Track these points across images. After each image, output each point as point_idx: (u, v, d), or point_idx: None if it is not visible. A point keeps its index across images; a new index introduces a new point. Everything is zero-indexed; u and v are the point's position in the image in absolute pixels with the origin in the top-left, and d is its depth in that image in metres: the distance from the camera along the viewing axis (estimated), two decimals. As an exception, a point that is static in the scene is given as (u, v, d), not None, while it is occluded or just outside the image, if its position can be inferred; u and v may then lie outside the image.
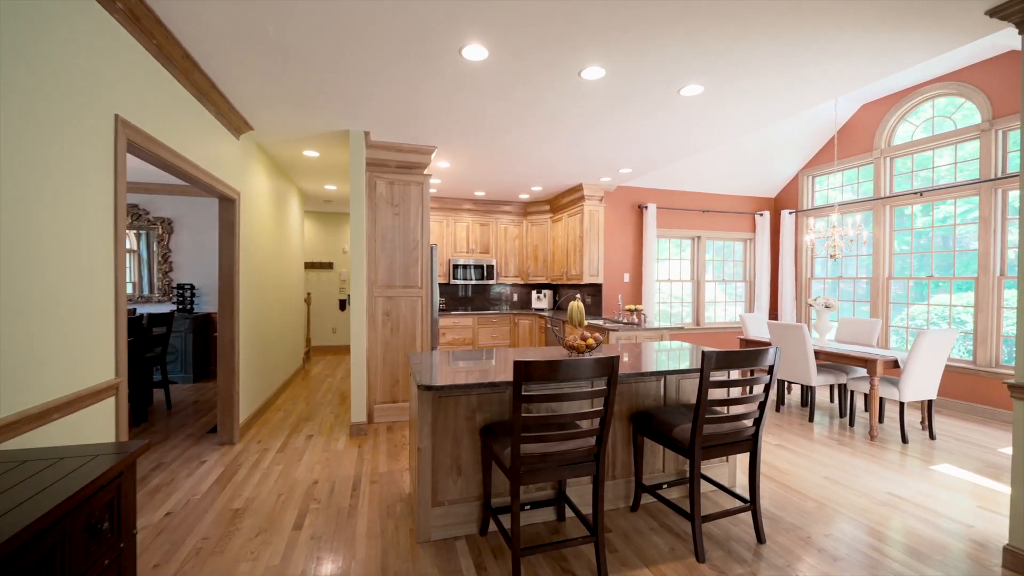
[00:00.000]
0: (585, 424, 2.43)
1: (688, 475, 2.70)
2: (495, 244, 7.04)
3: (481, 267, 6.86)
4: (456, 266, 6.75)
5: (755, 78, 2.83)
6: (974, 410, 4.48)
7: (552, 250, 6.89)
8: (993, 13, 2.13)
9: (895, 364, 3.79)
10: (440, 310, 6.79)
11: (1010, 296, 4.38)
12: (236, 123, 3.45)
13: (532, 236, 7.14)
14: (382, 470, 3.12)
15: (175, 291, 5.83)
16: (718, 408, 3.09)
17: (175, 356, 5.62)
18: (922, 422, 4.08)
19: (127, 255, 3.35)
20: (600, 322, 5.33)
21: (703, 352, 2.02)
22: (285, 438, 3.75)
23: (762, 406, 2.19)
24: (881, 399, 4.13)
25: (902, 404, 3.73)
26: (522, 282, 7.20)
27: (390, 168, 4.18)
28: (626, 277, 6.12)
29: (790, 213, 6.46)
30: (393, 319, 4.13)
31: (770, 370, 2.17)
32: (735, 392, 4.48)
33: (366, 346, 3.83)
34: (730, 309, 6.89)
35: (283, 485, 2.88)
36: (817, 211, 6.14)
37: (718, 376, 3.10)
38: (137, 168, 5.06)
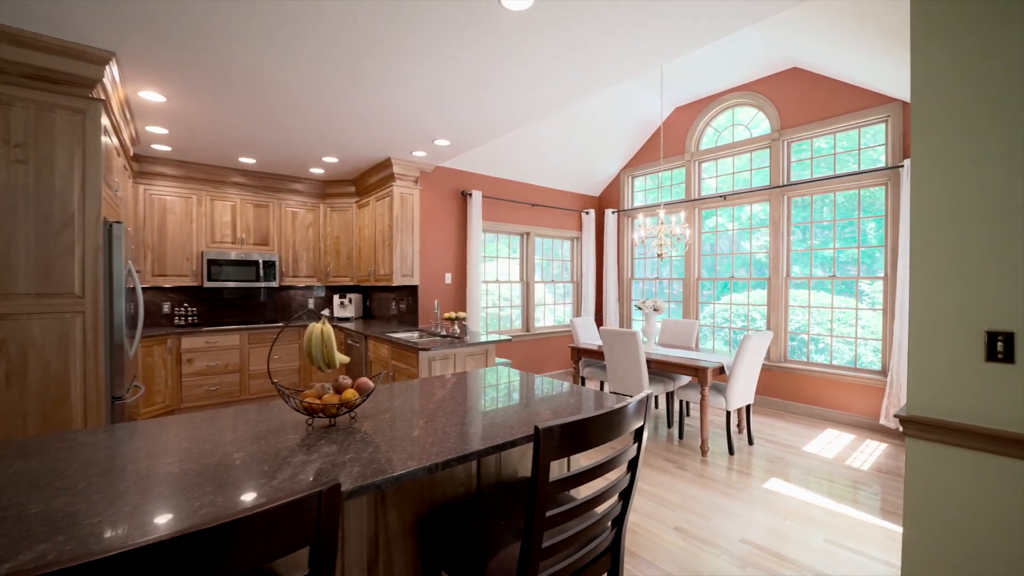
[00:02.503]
0: None
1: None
2: (279, 233, 5.27)
3: (256, 264, 5.02)
4: (214, 262, 4.78)
5: (594, 11, 2.03)
6: (769, 403, 4.73)
7: (358, 243, 5.46)
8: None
9: (721, 370, 3.56)
10: (187, 324, 4.72)
11: (796, 295, 4.73)
12: None
13: (333, 225, 5.58)
14: None
15: None
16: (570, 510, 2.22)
17: None
18: (738, 425, 4.02)
19: None
20: (412, 336, 4.17)
21: (537, 431, 1.02)
22: None
23: (627, 497, 1.31)
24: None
25: (728, 413, 3.51)
26: (319, 283, 5.58)
27: (9, 76, 2.28)
28: (448, 278, 5.10)
29: (613, 212, 6.34)
30: (8, 356, 2.23)
31: (637, 435, 1.30)
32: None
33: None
34: (559, 311, 6.49)
35: None
36: (635, 211, 6.12)
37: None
38: None
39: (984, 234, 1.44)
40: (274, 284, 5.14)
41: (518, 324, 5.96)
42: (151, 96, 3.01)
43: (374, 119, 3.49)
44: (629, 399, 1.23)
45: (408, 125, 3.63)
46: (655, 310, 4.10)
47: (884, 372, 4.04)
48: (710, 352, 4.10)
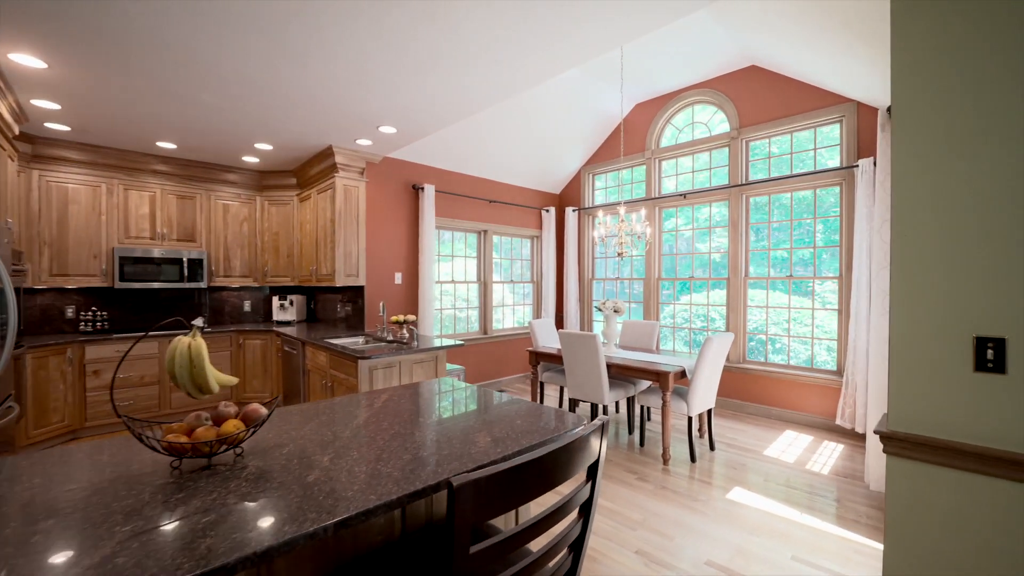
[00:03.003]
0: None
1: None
2: (209, 228, 4.74)
3: (180, 262, 4.48)
4: (128, 260, 4.21)
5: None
6: (729, 404, 4.67)
7: (300, 240, 5.01)
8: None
9: (683, 374, 3.42)
10: (95, 331, 4.14)
11: (754, 295, 4.69)
12: None
13: (271, 220, 5.10)
14: None
15: None
16: None
17: None
18: (699, 429, 3.91)
19: None
20: (355, 342, 3.81)
21: (452, 489, 0.74)
22: None
23: (578, 549, 1.06)
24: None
25: (690, 419, 3.37)
26: (256, 284, 5.08)
27: None
28: (398, 278, 4.74)
29: (573, 211, 6.17)
30: None
31: (591, 473, 1.05)
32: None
33: None
34: (519, 313, 6.26)
35: None
36: (596, 210, 5.97)
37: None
38: None
39: (971, 231, 1.29)
40: (202, 285, 4.61)
41: (475, 327, 5.67)
42: (26, 60, 2.51)
43: (308, 100, 3.11)
44: (583, 427, 0.98)
45: (348, 109, 3.28)
46: (615, 312, 3.92)
47: (840, 372, 4.04)
48: (671, 354, 3.97)
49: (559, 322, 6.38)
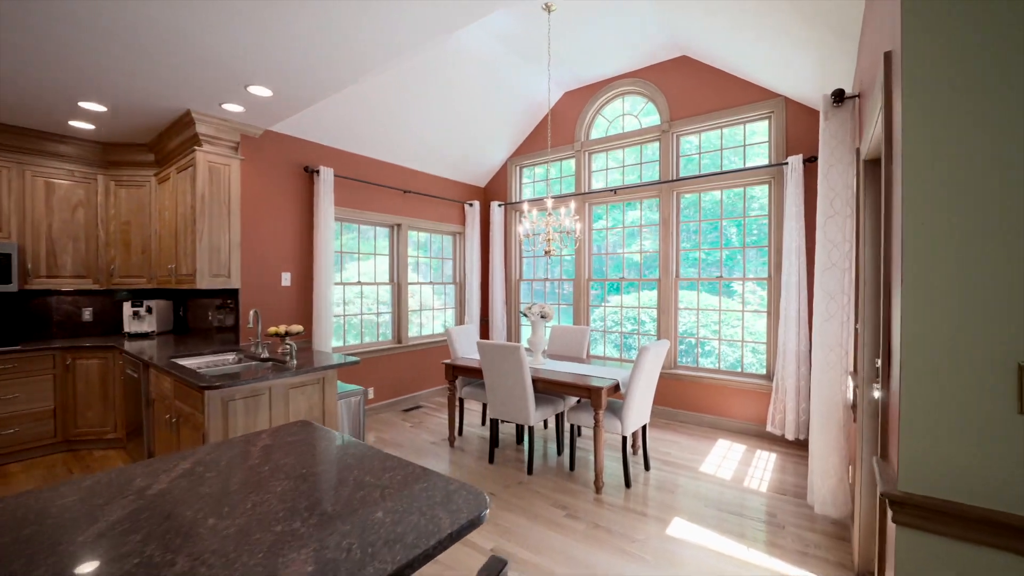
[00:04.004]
0: None
1: None
2: (22, 214, 3.61)
3: (-28, 258, 3.33)
4: None
5: None
6: (660, 412, 4.43)
7: (158, 231, 4.01)
8: None
9: (616, 388, 3.03)
10: None
11: (685, 296, 4.49)
12: None
13: (121, 206, 4.03)
14: None
15: None
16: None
17: None
18: (633, 446, 3.58)
19: None
20: (221, 361, 2.99)
21: None
22: None
23: None
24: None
25: (624, 438, 2.99)
26: (98, 287, 3.99)
27: None
28: (286, 279, 3.93)
29: (500, 205, 5.68)
30: None
31: None
32: None
33: None
34: (441, 318, 5.64)
35: None
36: (524, 204, 5.50)
37: None
38: None
39: (1008, 228, 0.93)
40: (10, 288, 3.49)
41: (388, 335, 4.98)
42: None
43: (148, 41, 2.29)
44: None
45: (199, 57, 2.48)
46: (543, 317, 3.47)
47: (769, 377, 3.91)
48: (601, 364, 3.59)
49: (484, 328, 5.86)
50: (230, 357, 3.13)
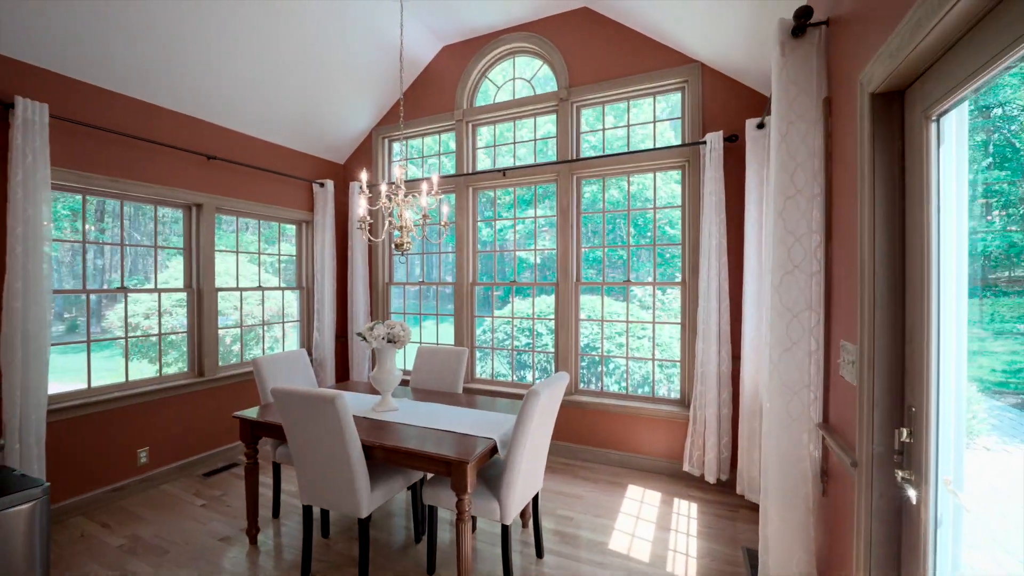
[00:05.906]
0: None
1: None
2: None
3: None
4: None
5: None
6: (558, 450, 3.54)
7: None
8: None
9: (494, 450, 2.01)
10: None
11: (587, 303, 3.66)
12: None
13: None
14: None
15: None
16: None
17: None
18: (523, 516, 2.60)
19: None
20: None
21: None
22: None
23: None
24: (473, 518, 2.37)
25: (505, 527, 1.98)
26: None
27: None
28: (-66, 285, 2.28)
29: (362, 187, 4.40)
30: None
31: None
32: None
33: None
34: (277, 335, 4.20)
35: None
36: (392, 186, 4.32)
37: None
38: None
39: None
40: None
41: (184, 365, 3.45)
42: None
43: None
44: None
45: None
46: (390, 342, 2.33)
47: (685, 404, 3.22)
48: (489, 402, 2.56)
49: (342, 351, 4.52)
50: None
